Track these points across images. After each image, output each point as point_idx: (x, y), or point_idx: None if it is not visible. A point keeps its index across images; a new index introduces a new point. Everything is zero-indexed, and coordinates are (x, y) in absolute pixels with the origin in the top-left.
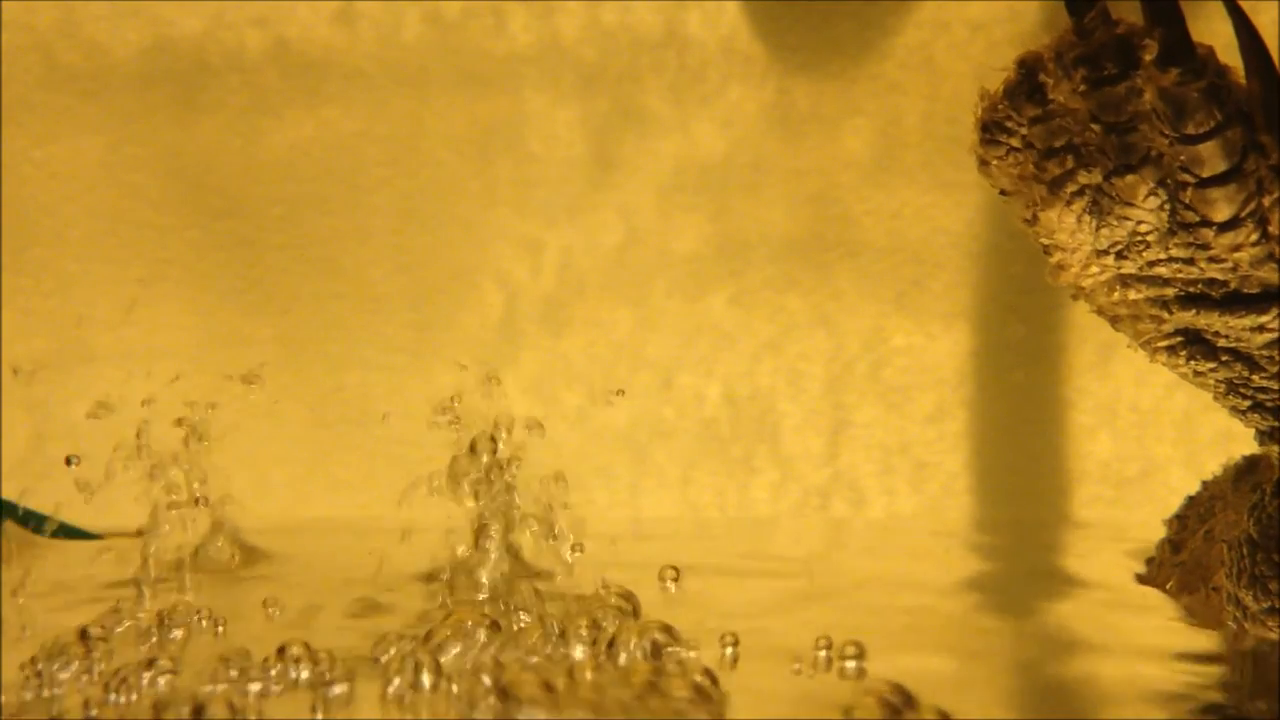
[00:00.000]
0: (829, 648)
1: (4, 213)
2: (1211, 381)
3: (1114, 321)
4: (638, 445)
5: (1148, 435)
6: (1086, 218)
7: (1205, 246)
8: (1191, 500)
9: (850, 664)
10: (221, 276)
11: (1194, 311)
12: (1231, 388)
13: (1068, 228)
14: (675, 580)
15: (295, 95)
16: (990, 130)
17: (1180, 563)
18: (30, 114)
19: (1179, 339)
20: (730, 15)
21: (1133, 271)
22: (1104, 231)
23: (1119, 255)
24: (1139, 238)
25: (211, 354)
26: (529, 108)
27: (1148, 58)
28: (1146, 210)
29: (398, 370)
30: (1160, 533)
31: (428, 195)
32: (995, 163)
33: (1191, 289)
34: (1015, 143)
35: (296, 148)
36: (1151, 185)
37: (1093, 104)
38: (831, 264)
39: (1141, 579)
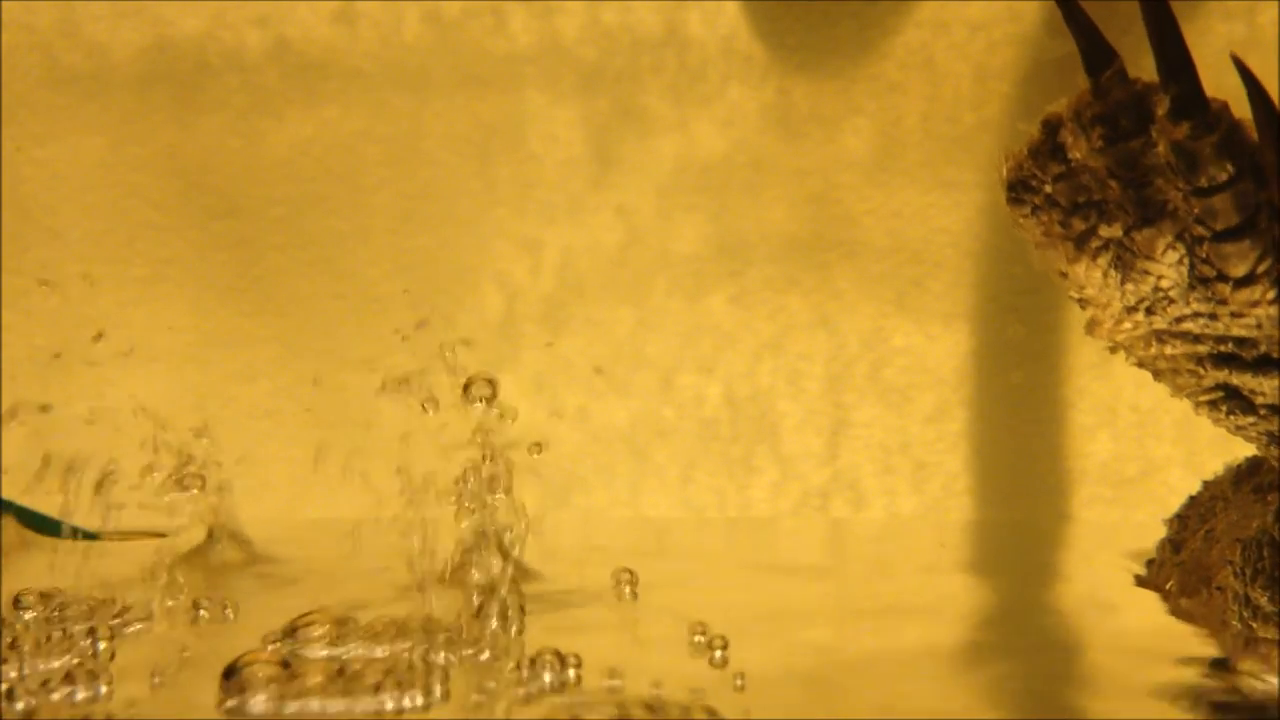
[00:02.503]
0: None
1: (4, 213)
2: (1254, 434)
3: (1156, 374)
4: (638, 445)
5: (1148, 435)
6: (1112, 272)
7: (1225, 301)
8: (1192, 500)
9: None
10: (221, 276)
11: (1227, 371)
12: (1273, 439)
13: (1095, 282)
14: (632, 585)
15: (295, 95)
16: (1016, 189)
17: (1180, 563)
18: (30, 114)
19: (1219, 393)
20: (730, 15)
21: (1164, 327)
22: (1129, 286)
23: (1148, 311)
24: (1162, 293)
25: (211, 354)
26: (529, 108)
27: (1160, 112)
28: (1166, 265)
29: (397, 370)
30: (1160, 533)
31: (428, 195)
32: (1023, 220)
33: (1222, 348)
34: (1040, 201)
35: (296, 148)
36: (1170, 239)
37: (1110, 160)
38: (831, 264)
39: (1141, 580)
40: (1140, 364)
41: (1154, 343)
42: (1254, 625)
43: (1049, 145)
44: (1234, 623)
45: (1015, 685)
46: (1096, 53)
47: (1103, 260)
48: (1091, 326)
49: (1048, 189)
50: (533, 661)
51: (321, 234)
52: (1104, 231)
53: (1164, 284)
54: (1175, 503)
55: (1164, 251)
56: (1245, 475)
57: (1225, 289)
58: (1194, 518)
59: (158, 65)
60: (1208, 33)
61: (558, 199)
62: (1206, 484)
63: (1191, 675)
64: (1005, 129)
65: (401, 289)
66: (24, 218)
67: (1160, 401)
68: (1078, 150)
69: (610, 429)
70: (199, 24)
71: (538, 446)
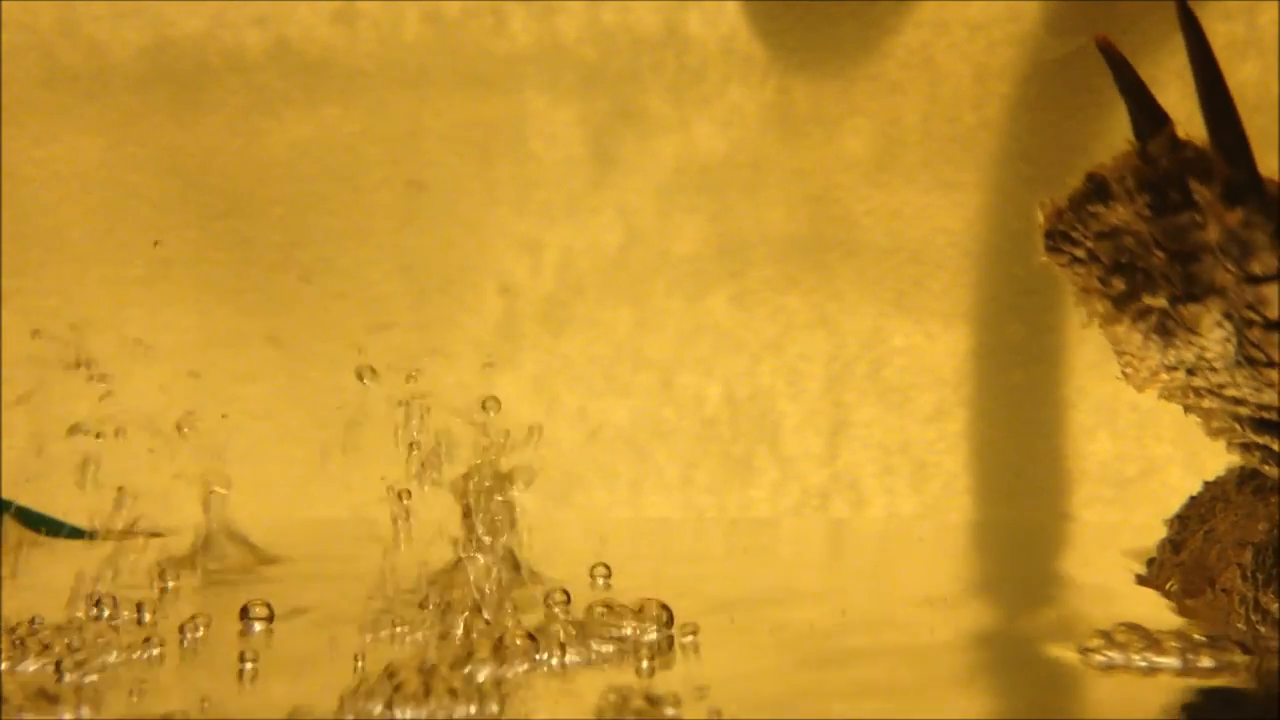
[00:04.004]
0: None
1: (4, 213)
2: None
3: (1186, 409)
4: (638, 445)
5: (1148, 435)
6: (1154, 336)
7: (1272, 385)
8: (1193, 500)
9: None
10: (221, 276)
11: (1269, 437)
12: None
13: (1135, 344)
14: (606, 578)
15: (295, 95)
16: (1055, 239)
17: (1180, 563)
18: (30, 114)
19: (1257, 454)
20: (730, 15)
21: (1204, 386)
22: (1171, 352)
23: (1189, 371)
24: (1206, 362)
25: (211, 354)
26: (529, 108)
27: (1211, 196)
28: (1212, 340)
29: (398, 370)
30: (1160, 533)
31: (428, 195)
32: (1059, 269)
33: (1265, 414)
34: (1081, 254)
35: (296, 148)
36: (1217, 317)
37: (1156, 231)
38: (831, 264)
39: (1142, 579)
40: (1169, 398)
41: (1191, 395)
42: (1261, 629)
43: (1092, 201)
44: (1239, 624)
45: (1015, 685)
46: (1146, 115)
47: (1144, 325)
48: (1127, 375)
49: (1089, 244)
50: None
51: (321, 234)
52: (1147, 300)
53: (1208, 355)
54: (1175, 503)
55: (1210, 328)
56: (1248, 476)
57: (1274, 374)
58: (1194, 518)
59: (158, 65)
60: (1208, 32)
61: (558, 199)
62: (1207, 484)
63: (1193, 676)
64: (1005, 129)
65: (401, 289)
66: (24, 218)
67: (1160, 402)
68: (1122, 214)
69: (610, 429)
70: (199, 24)
71: (535, 430)
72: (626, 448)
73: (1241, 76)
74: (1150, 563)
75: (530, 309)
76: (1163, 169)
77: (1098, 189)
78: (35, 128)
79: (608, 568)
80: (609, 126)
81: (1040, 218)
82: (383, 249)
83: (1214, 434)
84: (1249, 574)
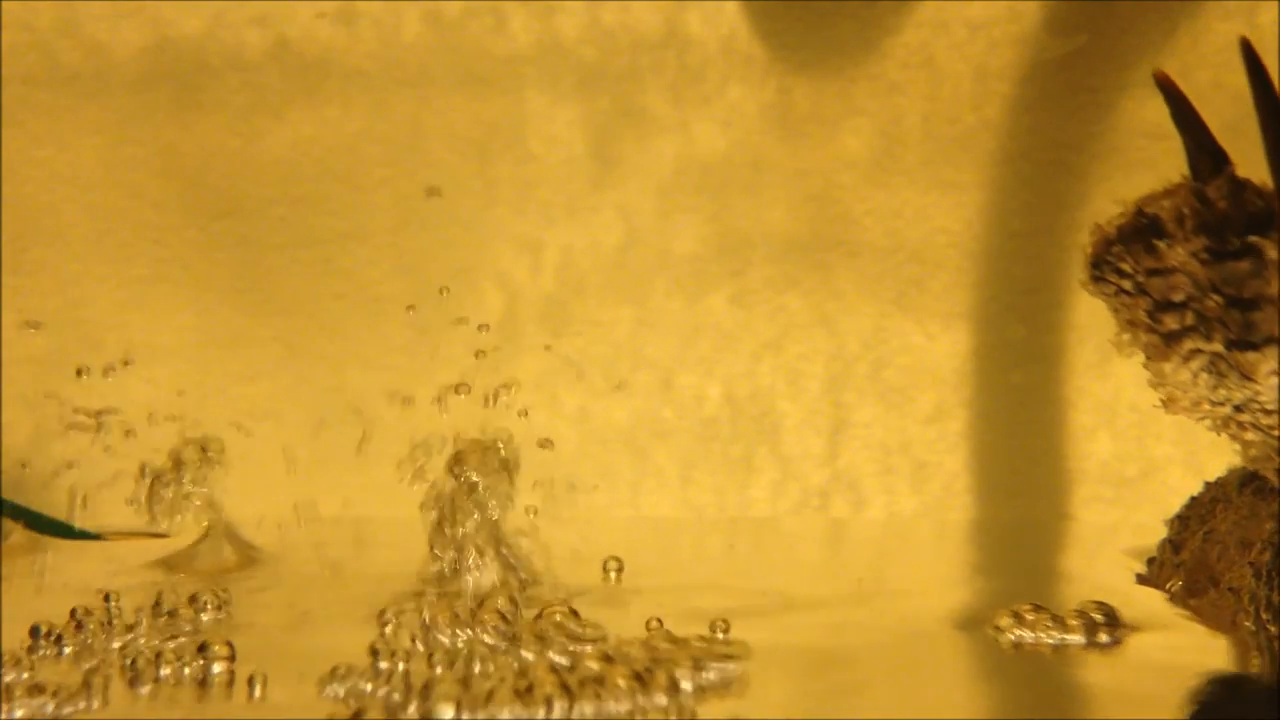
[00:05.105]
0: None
1: (4, 213)
2: None
3: (1217, 431)
4: (638, 445)
5: (1148, 435)
6: (1204, 376)
7: None
8: (1193, 501)
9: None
10: (221, 276)
11: None
12: None
13: (1183, 383)
14: (619, 572)
15: (295, 95)
16: (1101, 269)
17: (1180, 563)
18: (30, 114)
19: None
20: (730, 15)
21: (1249, 421)
22: (1221, 391)
23: (1236, 409)
24: (1258, 405)
25: (211, 354)
26: (529, 108)
27: (1274, 250)
28: (1268, 387)
29: (398, 370)
30: (1160, 533)
31: (428, 195)
32: (1102, 298)
33: None
34: (1128, 286)
35: (296, 148)
36: (1274, 365)
37: (1214, 275)
38: (831, 264)
39: (1142, 579)
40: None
41: (1233, 426)
42: (1272, 628)
43: (1144, 236)
44: (1247, 623)
45: (1014, 685)
46: (1206, 156)
47: (1195, 365)
48: (1165, 404)
49: (1139, 278)
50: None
51: (321, 234)
52: (1201, 345)
53: (1261, 398)
54: (1175, 503)
55: (1267, 376)
56: (1249, 477)
57: None
58: (1194, 518)
59: (158, 65)
60: (1208, 32)
61: (558, 199)
62: (1208, 484)
63: (1194, 675)
64: (1005, 129)
65: (401, 289)
66: (24, 218)
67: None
68: (1179, 254)
69: (610, 429)
70: (199, 24)
71: (549, 442)
72: (626, 448)
73: (1241, 77)
74: (1150, 563)
75: (530, 309)
76: (1221, 212)
77: (1151, 225)
78: (35, 128)
79: (619, 561)
80: (609, 126)
81: (1086, 248)
82: (383, 249)
83: (1251, 461)
84: (1264, 573)
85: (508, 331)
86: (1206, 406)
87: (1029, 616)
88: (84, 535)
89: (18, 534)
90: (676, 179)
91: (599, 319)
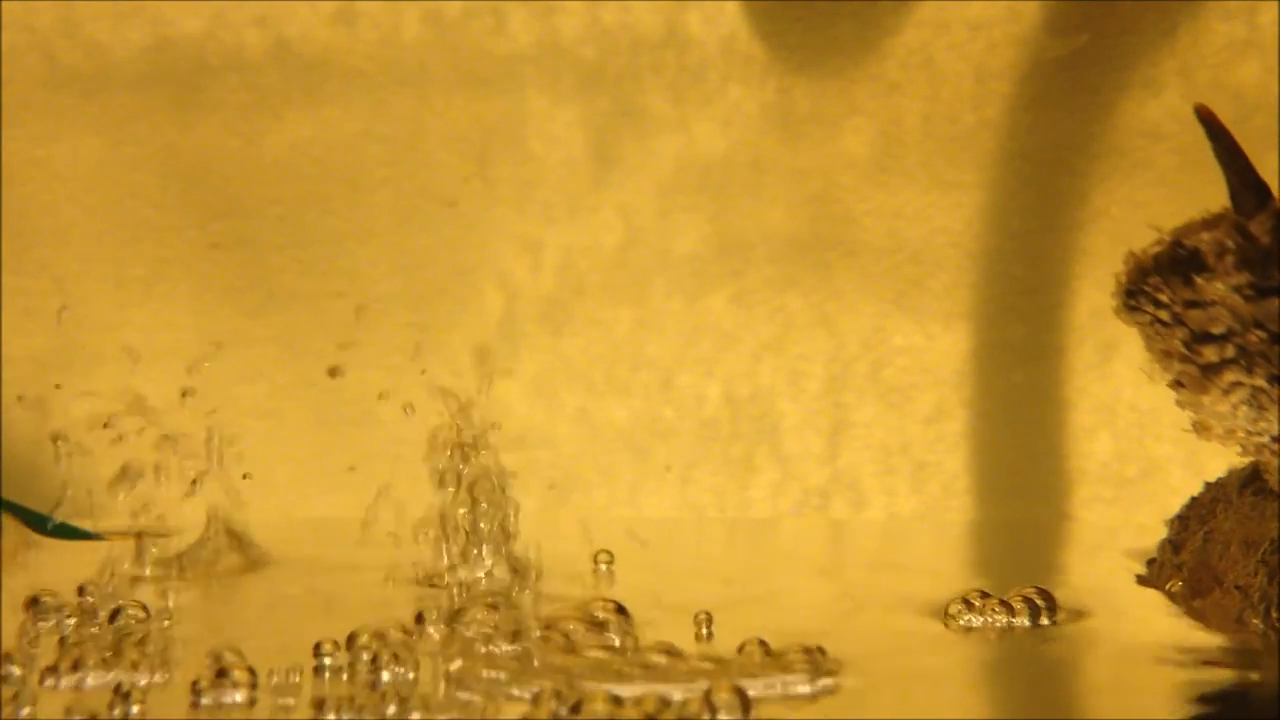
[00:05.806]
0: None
1: (4, 213)
2: None
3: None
4: (638, 445)
5: (1148, 435)
6: (1244, 409)
7: None
8: (1194, 501)
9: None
10: (221, 276)
11: None
12: None
13: (1221, 413)
14: (609, 564)
15: (295, 95)
16: (1136, 299)
17: (1180, 563)
18: (30, 114)
19: None
20: (730, 15)
21: None
22: (1262, 424)
23: (1275, 439)
24: None
25: (212, 354)
26: (529, 108)
27: None
28: None
29: (398, 370)
30: (1161, 533)
31: (428, 195)
32: (1135, 326)
33: None
34: (1165, 316)
35: (296, 148)
36: None
37: (1258, 311)
38: (831, 264)
39: (1142, 579)
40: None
41: (1266, 453)
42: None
43: (1181, 268)
44: (1256, 621)
45: (1014, 685)
46: (1249, 190)
47: (1235, 398)
48: (1199, 431)
49: (1176, 309)
50: None
51: (321, 234)
52: (1243, 378)
53: None
54: (1175, 503)
55: None
56: (1251, 478)
57: None
58: (1195, 519)
59: (158, 65)
60: (1208, 32)
61: (558, 199)
62: (1209, 485)
63: (1195, 676)
64: (1005, 129)
65: (401, 289)
66: (24, 218)
67: (1160, 401)
68: (1220, 289)
69: (610, 429)
70: (199, 24)
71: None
72: (626, 448)
73: (1241, 77)
74: (1150, 563)
75: (530, 309)
76: (1264, 248)
77: (1190, 258)
78: (35, 128)
79: (610, 554)
80: (609, 126)
81: (1120, 276)
82: (383, 249)
83: (1270, 479)
84: (1275, 572)
85: (508, 331)
86: (1241, 435)
87: (976, 603)
88: (84, 535)
89: (17, 534)
90: (676, 179)
91: (599, 319)
